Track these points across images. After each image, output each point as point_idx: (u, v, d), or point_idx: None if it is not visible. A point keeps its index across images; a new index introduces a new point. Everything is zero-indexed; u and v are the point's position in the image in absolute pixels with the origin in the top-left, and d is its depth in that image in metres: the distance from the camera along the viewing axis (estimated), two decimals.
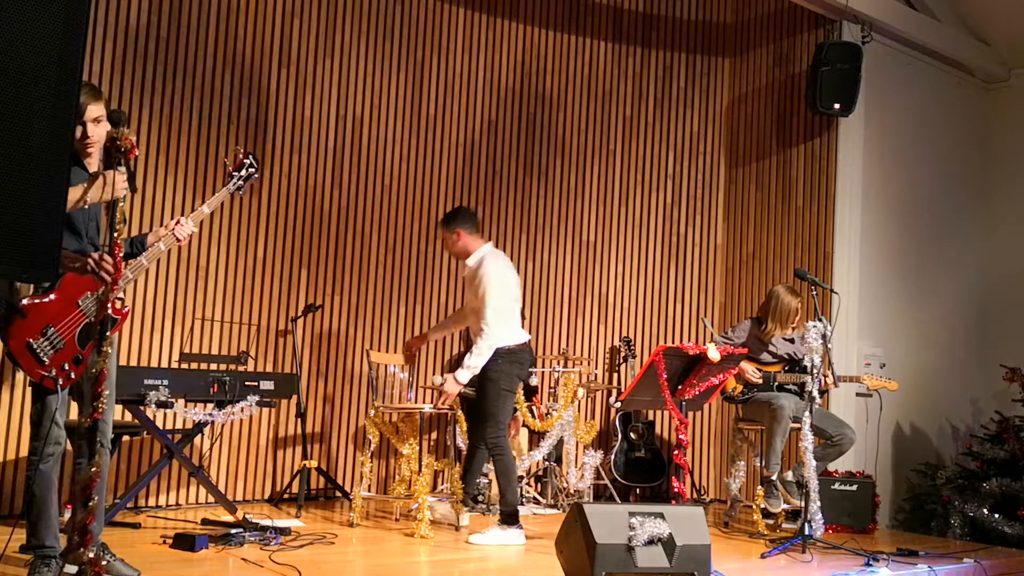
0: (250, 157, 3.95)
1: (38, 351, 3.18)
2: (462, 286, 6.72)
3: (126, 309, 3.50)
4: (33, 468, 3.26)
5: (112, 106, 5.34)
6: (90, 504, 2.80)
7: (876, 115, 6.76)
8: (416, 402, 5.85)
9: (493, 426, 4.88)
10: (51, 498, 3.29)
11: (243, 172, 3.91)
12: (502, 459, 4.85)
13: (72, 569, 2.92)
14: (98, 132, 3.31)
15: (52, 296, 3.21)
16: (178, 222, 3.66)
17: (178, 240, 3.65)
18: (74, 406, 3.98)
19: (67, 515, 3.91)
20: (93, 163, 3.39)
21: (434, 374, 6.55)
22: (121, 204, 2.99)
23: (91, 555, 2.81)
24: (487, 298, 4.83)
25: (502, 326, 4.86)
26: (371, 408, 5.26)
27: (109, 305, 2.91)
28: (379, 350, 6.30)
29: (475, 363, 4.81)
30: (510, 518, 4.77)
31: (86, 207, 3.26)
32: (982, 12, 7.26)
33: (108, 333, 3.30)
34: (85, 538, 2.81)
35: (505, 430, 4.95)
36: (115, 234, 2.95)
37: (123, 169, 3.03)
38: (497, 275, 4.90)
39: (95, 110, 3.30)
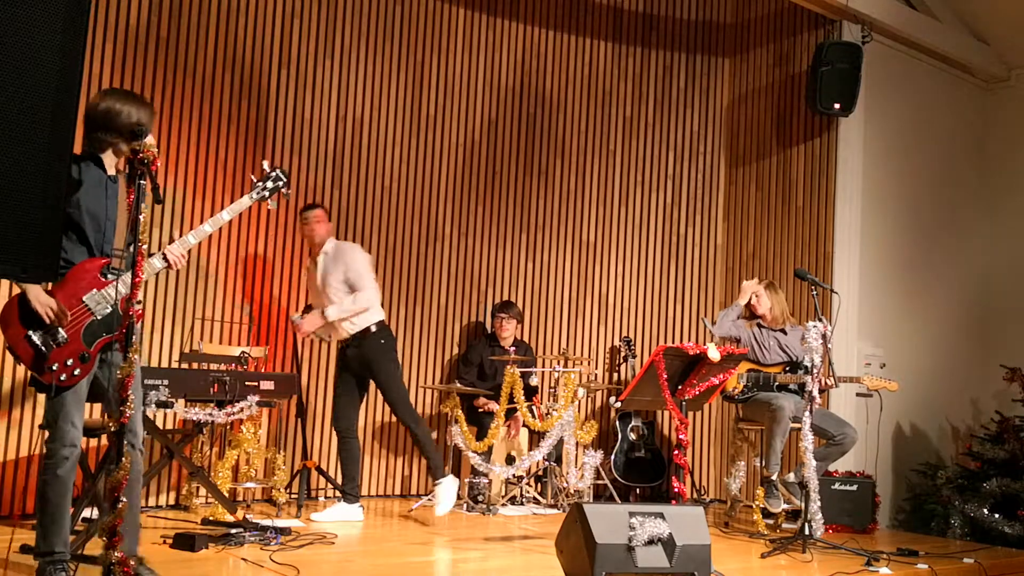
0: (277, 171, 3.87)
1: (38, 344, 3.14)
2: (462, 286, 6.73)
3: (140, 310, 3.46)
4: (50, 472, 3.15)
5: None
6: (119, 506, 2.80)
7: (876, 115, 6.76)
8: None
9: (407, 403, 5.36)
10: (65, 503, 3.20)
11: (268, 184, 3.83)
12: (423, 427, 5.33)
13: None
14: None
15: (53, 290, 3.17)
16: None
17: (168, 263, 3.49)
18: (95, 407, 3.95)
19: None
20: (111, 166, 3.36)
21: (430, 380, 6.57)
22: (143, 215, 2.98)
23: (119, 555, 2.81)
24: (363, 268, 5.28)
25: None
26: None
27: (131, 311, 2.93)
28: None
29: (348, 307, 5.22)
30: (443, 472, 5.27)
31: (103, 217, 3.27)
32: (982, 12, 7.26)
33: (117, 335, 3.25)
34: (114, 539, 2.81)
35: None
36: (139, 243, 2.95)
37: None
38: (364, 254, 5.39)
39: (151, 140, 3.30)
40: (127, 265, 3.27)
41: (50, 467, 3.16)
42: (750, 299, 5.67)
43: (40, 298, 3.12)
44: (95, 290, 3.25)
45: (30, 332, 3.14)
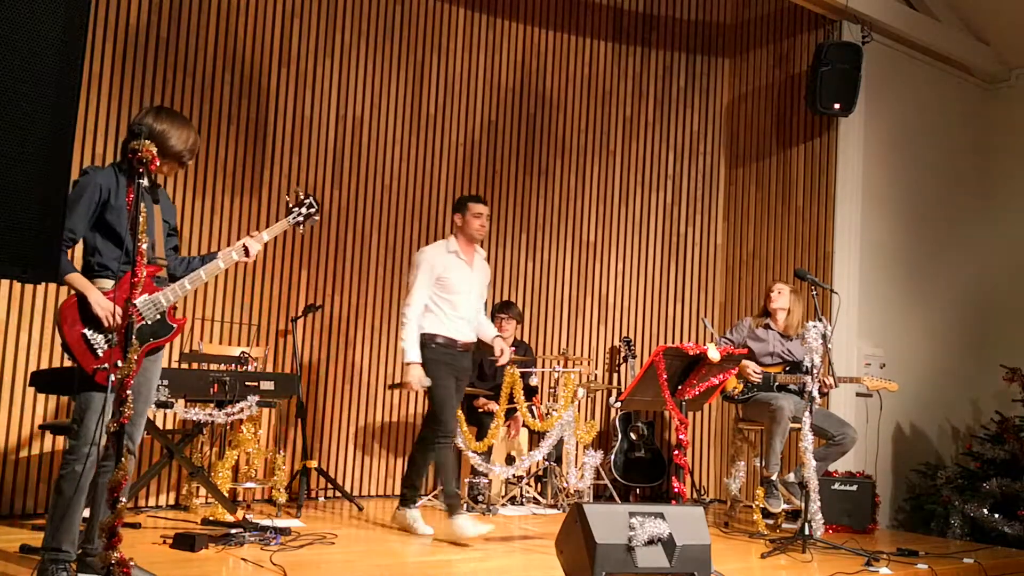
0: (310, 198, 3.98)
1: (93, 344, 3.22)
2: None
3: (182, 318, 3.51)
4: (69, 468, 3.19)
5: (112, 107, 5.38)
6: (118, 506, 2.81)
7: (876, 115, 6.76)
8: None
9: None
10: (79, 501, 3.23)
11: (303, 209, 3.93)
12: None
13: None
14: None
15: (113, 292, 3.25)
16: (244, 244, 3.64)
17: (246, 258, 3.62)
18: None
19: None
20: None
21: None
22: (142, 216, 2.98)
23: (118, 555, 2.81)
24: None
25: None
26: None
27: (130, 311, 2.93)
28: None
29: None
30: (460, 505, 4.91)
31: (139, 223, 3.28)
32: (982, 12, 7.26)
33: (161, 340, 3.36)
34: (113, 539, 2.82)
35: None
36: (137, 243, 2.96)
37: None
38: None
39: None
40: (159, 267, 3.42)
41: (70, 463, 3.22)
42: (769, 295, 5.67)
43: (101, 302, 3.22)
44: (147, 295, 3.32)
45: (86, 332, 3.21)
